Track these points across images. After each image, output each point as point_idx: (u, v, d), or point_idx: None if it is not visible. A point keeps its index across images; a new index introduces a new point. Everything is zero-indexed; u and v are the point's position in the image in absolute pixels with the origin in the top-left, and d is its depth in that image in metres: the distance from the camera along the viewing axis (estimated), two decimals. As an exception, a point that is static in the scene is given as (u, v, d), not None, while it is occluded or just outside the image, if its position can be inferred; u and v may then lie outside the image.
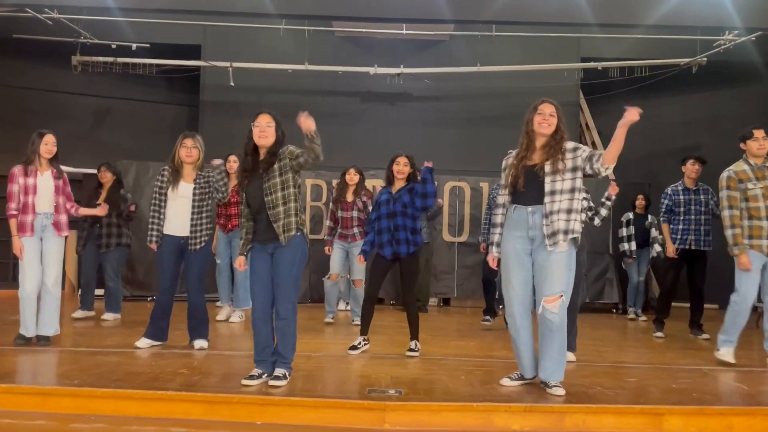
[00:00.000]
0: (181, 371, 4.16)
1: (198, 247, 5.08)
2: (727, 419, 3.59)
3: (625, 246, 8.66)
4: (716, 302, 8.90)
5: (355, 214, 6.81)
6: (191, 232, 5.08)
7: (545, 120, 3.88)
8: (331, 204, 7.09)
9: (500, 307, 6.69)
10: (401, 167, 5.15)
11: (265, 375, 3.95)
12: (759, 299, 5.15)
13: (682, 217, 6.67)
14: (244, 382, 3.86)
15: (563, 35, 10.80)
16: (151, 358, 4.69)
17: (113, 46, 10.58)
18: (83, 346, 5.19)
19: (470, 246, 9.45)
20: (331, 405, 3.57)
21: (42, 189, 5.13)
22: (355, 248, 6.75)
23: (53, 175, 5.21)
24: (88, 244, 7.08)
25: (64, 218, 5.25)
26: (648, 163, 11.33)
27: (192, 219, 5.08)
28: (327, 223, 7.19)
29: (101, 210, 5.80)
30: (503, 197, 4.04)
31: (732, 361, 4.98)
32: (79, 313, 6.97)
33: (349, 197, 6.86)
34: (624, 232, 8.70)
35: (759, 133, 5.01)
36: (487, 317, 7.37)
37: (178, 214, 5.09)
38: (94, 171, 7.39)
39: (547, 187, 3.82)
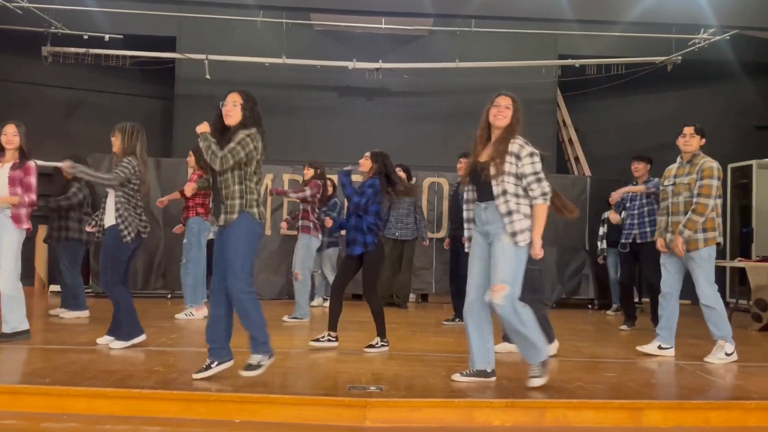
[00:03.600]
0: (156, 369, 4.08)
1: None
2: (705, 413, 3.63)
3: (599, 245, 8.73)
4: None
5: (308, 207, 6.79)
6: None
7: (500, 112, 3.87)
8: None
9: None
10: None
11: (216, 363, 3.84)
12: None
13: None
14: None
15: (541, 32, 10.84)
16: (126, 356, 4.59)
17: (85, 37, 10.33)
18: (55, 344, 5.06)
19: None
20: (311, 402, 3.52)
21: None
22: (316, 242, 6.81)
23: (12, 167, 4.97)
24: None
25: (23, 210, 4.97)
26: (623, 160, 11.38)
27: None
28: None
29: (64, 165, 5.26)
30: (468, 193, 4.05)
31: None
32: (69, 314, 6.56)
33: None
34: (600, 230, 8.75)
35: (688, 130, 4.99)
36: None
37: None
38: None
39: (497, 189, 3.79)
